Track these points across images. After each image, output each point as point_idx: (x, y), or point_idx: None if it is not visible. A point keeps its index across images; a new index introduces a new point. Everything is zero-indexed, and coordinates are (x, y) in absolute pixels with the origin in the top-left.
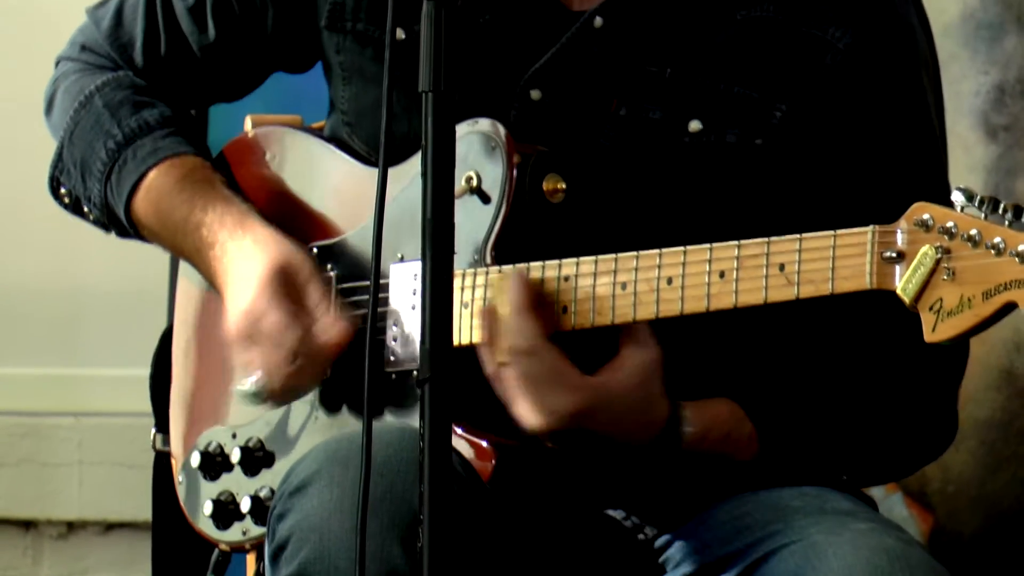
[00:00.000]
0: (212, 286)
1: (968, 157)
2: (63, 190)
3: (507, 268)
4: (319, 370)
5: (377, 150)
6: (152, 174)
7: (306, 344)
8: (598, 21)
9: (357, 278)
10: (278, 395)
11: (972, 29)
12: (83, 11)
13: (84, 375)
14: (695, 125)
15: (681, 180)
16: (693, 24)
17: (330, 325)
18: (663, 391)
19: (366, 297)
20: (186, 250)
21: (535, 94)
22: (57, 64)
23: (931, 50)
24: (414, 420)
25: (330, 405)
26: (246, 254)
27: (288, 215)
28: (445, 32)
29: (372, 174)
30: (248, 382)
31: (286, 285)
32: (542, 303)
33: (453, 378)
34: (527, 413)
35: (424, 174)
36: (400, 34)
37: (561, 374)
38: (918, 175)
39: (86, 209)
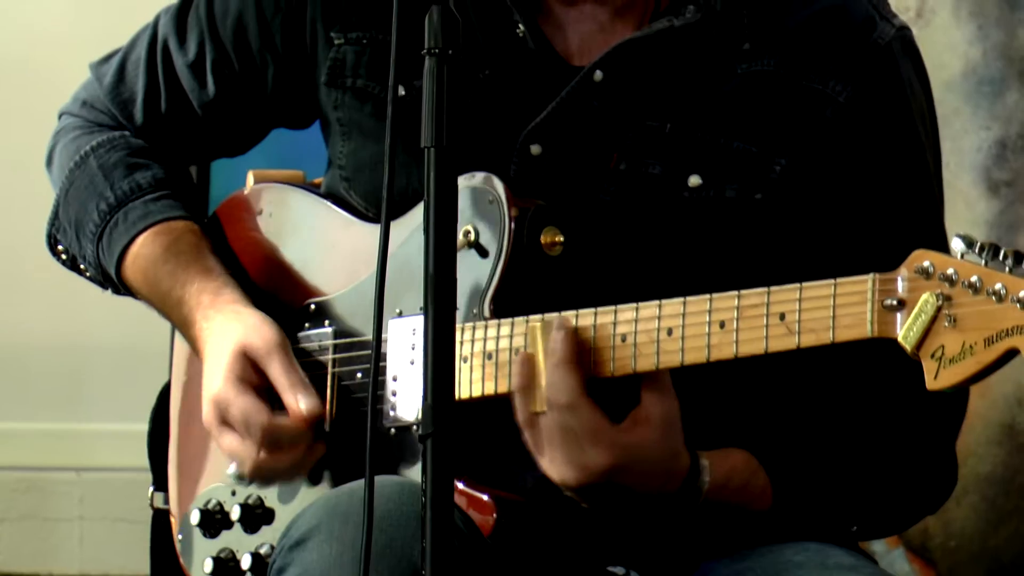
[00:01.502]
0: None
1: (970, 212)
2: (60, 247)
3: (548, 316)
4: (296, 456)
5: (375, 205)
6: (140, 240)
7: (272, 432)
8: (598, 75)
9: (354, 334)
10: (257, 481)
11: (974, 85)
12: (86, 66)
13: (86, 430)
14: (695, 180)
15: (681, 235)
16: (693, 78)
17: (295, 408)
18: (683, 442)
19: (363, 352)
20: (173, 321)
21: (535, 149)
22: (60, 118)
23: (928, 103)
24: (414, 475)
25: (330, 462)
26: (217, 335)
27: (282, 272)
28: (447, 88)
29: (369, 230)
30: (231, 467)
31: (247, 368)
32: (581, 352)
33: (455, 434)
34: (560, 466)
35: (426, 230)
36: (400, 90)
37: (598, 431)
38: (915, 227)
39: (82, 267)
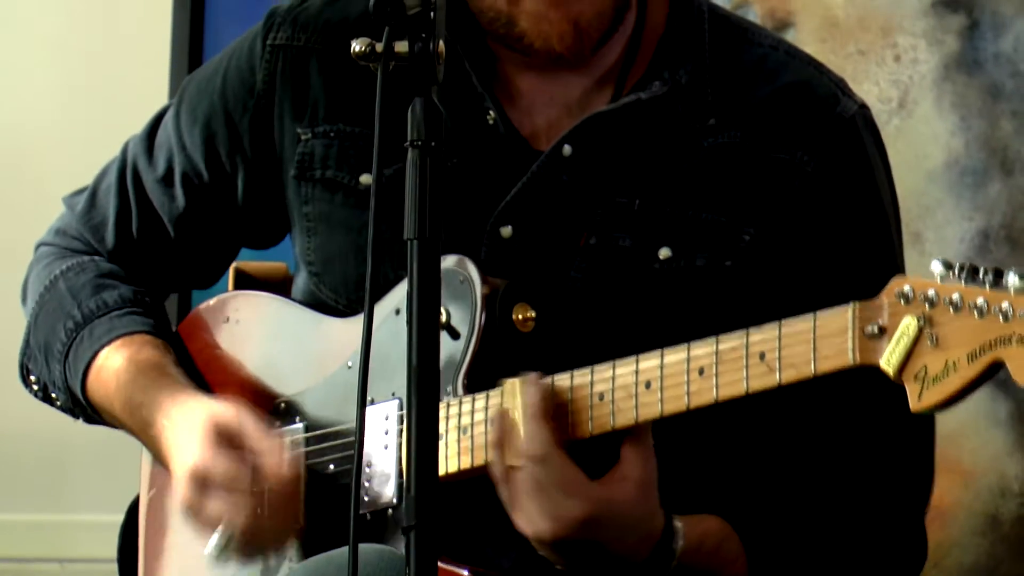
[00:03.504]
0: (163, 465)
1: None
2: (32, 377)
3: (525, 376)
4: (283, 514)
5: (345, 296)
6: (103, 353)
7: (259, 482)
8: (567, 149)
9: (326, 427)
10: (246, 543)
11: (956, 175)
12: (76, 166)
13: (69, 521)
14: (665, 252)
15: (653, 306)
16: (661, 154)
17: (278, 460)
18: (659, 503)
19: (336, 443)
20: (135, 431)
21: (505, 231)
22: (36, 249)
23: (889, 178)
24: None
25: (306, 555)
26: (181, 423)
27: (249, 377)
28: (430, 180)
29: (336, 324)
30: (213, 540)
31: (224, 435)
32: (558, 410)
33: (439, 524)
34: (534, 519)
35: (409, 322)
36: (367, 179)
37: (572, 482)
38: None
39: (53, 395)
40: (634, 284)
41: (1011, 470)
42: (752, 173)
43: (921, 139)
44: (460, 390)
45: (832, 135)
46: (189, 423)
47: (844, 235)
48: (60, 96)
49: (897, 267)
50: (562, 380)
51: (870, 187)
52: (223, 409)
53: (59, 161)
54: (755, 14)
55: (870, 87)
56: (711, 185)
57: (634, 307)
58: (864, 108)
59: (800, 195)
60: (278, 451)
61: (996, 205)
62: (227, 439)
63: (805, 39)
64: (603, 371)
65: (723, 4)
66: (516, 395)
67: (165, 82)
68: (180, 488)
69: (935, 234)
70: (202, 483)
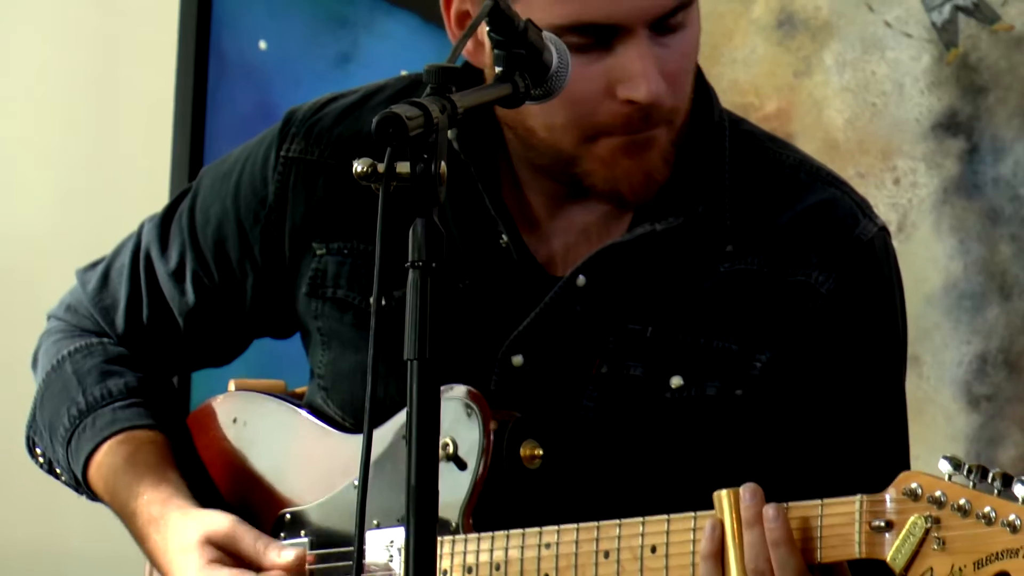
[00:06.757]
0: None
1: (950, 427)
2: (38, 450)
3: (747, 489)
4: None
5: (352, 415)
6: (104, 448)
7: None
8: (581, 280)
9: (331, 544)
10: None
11: (954, 299)
12: (68, 272)
13: None
14: (676, 381)
15: (662, 436)
16: (675, 280)
17: (276, 558)
18: None
19: (340, 564)
20: (132, 534)
21: (517, 360)
22: (48, 320)
23: (903, 303)
24: None
25: None
26: (173, 541)
27: (256, 482)
28: (431, 300)
29: (345, 440)
30: None
31: (216, 552)
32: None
33: None
34: None
35: (408, 441)
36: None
37: None
38: (888, 419)
39: (58, 470)
40: (645, 414)
41: None
42: (768, 299)
43: (920, 262)
44: (465, 526)
45: (850, 257)
46: (182, 543)
47: (857, 359)
48: (56, 202)
49: (903, 395)
50: (567, 534)
51: (887, 311)
52: (215, 523)
53: (51, 273)
54: None
55: None
56: (725, 311)
57: (644, 438)
58: (884, 231)
59: (815, 317)
60: (277, 554)
61: (994, 329)
62: (221, 555)
63: None
64: (609, 529)
65: None
66: (727, 507)
67: (165, 189)
68: None
69: (933, 357)
70: None
